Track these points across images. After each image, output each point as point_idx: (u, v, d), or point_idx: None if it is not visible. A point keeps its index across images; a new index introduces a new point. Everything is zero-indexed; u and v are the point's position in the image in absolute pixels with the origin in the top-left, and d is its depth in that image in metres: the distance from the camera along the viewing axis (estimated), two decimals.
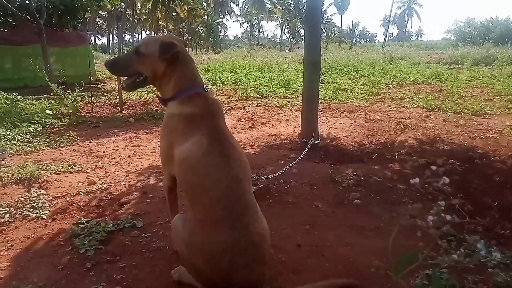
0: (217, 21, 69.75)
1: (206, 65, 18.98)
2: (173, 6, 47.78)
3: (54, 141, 5.62)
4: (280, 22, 79.11)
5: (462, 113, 7.14)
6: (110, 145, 5.51)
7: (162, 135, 2.14)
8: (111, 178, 4.00)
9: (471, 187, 3.52)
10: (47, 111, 7.22)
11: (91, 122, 7.26)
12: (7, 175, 3.93)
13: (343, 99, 9.41)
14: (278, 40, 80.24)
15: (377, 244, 2.53)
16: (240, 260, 1.78)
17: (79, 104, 8.54)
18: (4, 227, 2.85)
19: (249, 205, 1.89)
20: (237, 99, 10.00)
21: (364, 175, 3.70)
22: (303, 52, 5.09)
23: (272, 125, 6.90)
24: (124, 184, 3.77)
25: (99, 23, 69.00)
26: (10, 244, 2.61)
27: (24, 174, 3.89)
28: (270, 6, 72.72)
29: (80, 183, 3.84)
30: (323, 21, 72.72)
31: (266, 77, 13.27)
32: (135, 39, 60.48)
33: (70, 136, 5.89)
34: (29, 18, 12.00)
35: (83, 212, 3.14)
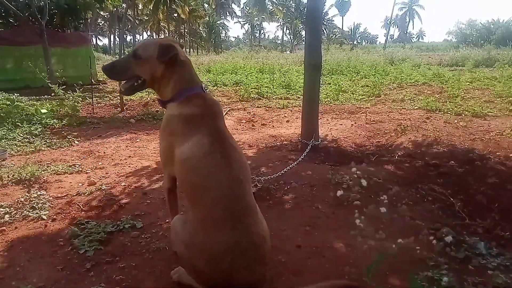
0: (218, 22, 69.89)
1: (207, 66, 19.02)
2: (174, 7, 47.85)
3: (54, 141, 5.63)
4: (281, 23, 79.18)
5: (463, 115, 7.13)
6: (111, 146, 5.51)
7: (162, 136, 2.14)
8: (111, 178, 4.00)
9: (471, 189, 3.51)
10: (42, 110, 7.22)
11: (92, 123, 7.27)
12: (8, 176, 3.93)
13: (344, 101, 9.41)
14: (279, 41, 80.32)
15: (377, 245, 2.52)
16: (241, 261, 1.78)
17: (80, 104, 8.56)
18: (4, 227, 2.85)
19: (250, 206, 1.89)
20: (238, 100, 10.01)
21: (364, 177, 3.69)
22: (304, 54, 5.09)
23: (273, 126, 6.90)
24: (124, 185, 3.77)
25: (100, 24, 69.11)
26: (10, 245, 2.61)
27: (25, 175, 3.89)
28: (271, 7, 72.79)
29: (80, 184, 3.84)
30: (324, 23, 72.77)
31: (267, 78, 13.27)
32: (136, 40, 60.61)
33: (71, 136, 5.89)
34: (30, 18, 12.02)
35: (83, 212, 3.14)
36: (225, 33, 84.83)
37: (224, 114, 2.19)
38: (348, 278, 2.16)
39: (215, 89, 11.88)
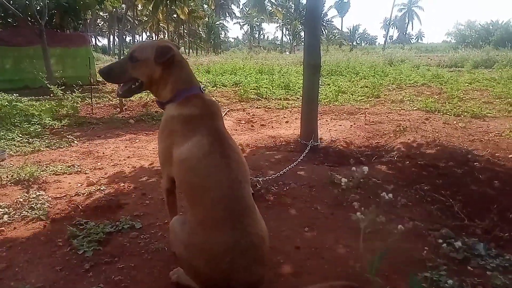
0: (217, 22, 69.90)
1: (206, 67, 19.02)
2: (174, 8, 47.83)
3: (53, 142, 5.63)
4: (281, 24, 79.20)
5: (462, 116, 7.14)
6: (110, 146, 5.51)
7: (160, 137, 2.14)
8: (110, 179, 3.99)
9: (470, 190, 3.51)
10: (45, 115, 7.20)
11: (91, 123, 7.27)
12: (7, 176, 3.93)
13: (343, 101, 9.42)
14: (278, 42, 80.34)
15: (376, 246, 2.52)
16: (240, 261, 1.78)
17: (79, 105, 8.55)
18: (3, 228, 2.84)
19: (248, 207, 1.89)
20: (237, 100, 10.01)
21: (363, 177, 3.69)
22: (303, 54, 5.10)
23: (272, 127, 6.90)
24: (123, 185, 3.77)
25: (99, 24, 69.10)
26: (8, 245, 2.60)
27: (24, 175, 3.89)
28: (270, 8, 72.83)
29: (79, 184, 3.83)
30: (324, 24, 72.87)
31: (266, 79, 13.28)
32: (136, 40, 60.59)
33: (70, 137, 5.89)
34: (29, 19, 12.01)
35: (82, 213, 3.13)
36: (225, 34, 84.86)
37: (223, 114, 2.20)
38: (347, 279, 2.16)
39: (214, 90, 11.88)
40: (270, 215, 2.98)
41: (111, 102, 9.93)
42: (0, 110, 7.07)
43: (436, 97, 9.59)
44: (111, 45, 68.88)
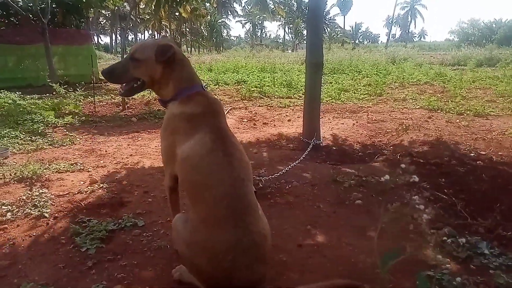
0: (219, 21, 69.77)
1: (208, 65, 19.01)
2: (176, 6, 47.75)
3: (56, 140, 5.63)
4: (283, 23, 79.08)
5: (465, 114, 7.12)
6: (112, 144, 5.52)
7: (163, 135, 2.14)
8: (113, 177, 4.00)
9: (473, 189, 3.51)
10: (49, 113, 7.20)
11: (94, 122, 7.28)
12: (10, 174, 3.94)
13: (346, 100, 9.40)
14: (280, 41, 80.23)
15: (378, 245, 2.52)
16: (242, 260, 1.78)
17: (81, 103, 8.57)
18: (6, 225, 2.85)
19: (251, 205, 1.89)
20: (240, 99, 10.01)
21: (365, 176, 3.69)
22: (306, 53, 5.09)
23: (274, 125, 6.90)
24: (126, 183, 3.78)
25: (102, 22, 69.12)
26: (11, 242, 2.61)
27: (26, 173, 3.90)
28: (273, 6, 72.69)
29: (82, 182, 3.84)
30: (326, 22, 72.66)
31: (268, 77, 13.26)
32: (138, 38, 60.58)
33: (73, 135, 5.90)
34: (31, 17, 12.01)
35: (84, 210, 3.14)
36: (227, 32, 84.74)
37: (225, 113, 2.20)
38: (349, 277, 2.16)
39: (216, 88, 11.87)
40: (272, 213, 2.98)
41: (113, 100, 9.94)
42: (3, 108, 7.09)
43: (439, 95, 9.56)
44: (113, 43, 68.93)
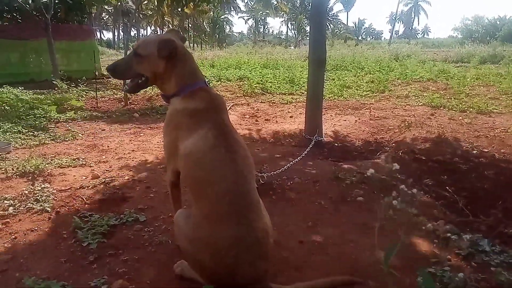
0: (222, 17, 69.62)
1: (211, 61, 18.99)
2: (179, 6, 47.65)
3: (58, 135, 5.65)
4: (286, 19, 78.82)
5: (468, 112, 7.10)
6: (115, 140, 5.52)
7: (165, 131, 2.14)
8: (115, 172, 4.01)
9: (475, 186, 3.50)
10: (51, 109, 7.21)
11: (96, 117, 7.28)
12: (12, 168, 3.95)
13: (348, 96, 9.38)
14: (283, 37, 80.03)
15: (380, 241, 2.52)
16: (245, 256, 1.78)
17: (83, 98, 8.57)
18: (8, 220, 2.86)
19: (253, 202, 1.89)
20: (242, 95, 10.00)
21: (367, 173, 3.69)
22: (308, 49, 5.07)
23: (276, 121, 6.89)
24: (128, 179, 3.78)
25: (104, 18, 69.03)
26: (13, 237, 2.63)
27: (29, 168, 3.91)
28: (276, 2, 72.45)
29: (84, 177, 3.85)
30: (329, 18, 72.38)
31: (271, 74, 13.24)
32: (141, 34, 60.50)
33: (75, 130, 5.91)
34: (35, 13, 12.01)
35: (86, 205, 3.15)
36: (229, 28, 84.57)
37: (227, 109, 2.19)
38: (350, 274, 2.16)
39: (219, 84, 11.86)
40: (274, 210, 2.97)
41: (115, 96, 9.95)
42: (5, 103, 7.10)
43: (442, 92, 9.53)
44: (115, 39, 68.90)
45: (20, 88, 8.00)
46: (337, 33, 68.45)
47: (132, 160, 4.49)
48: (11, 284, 2.11)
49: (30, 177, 3.76)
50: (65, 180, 3.75)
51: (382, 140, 5.33)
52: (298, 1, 74.06)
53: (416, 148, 4.68)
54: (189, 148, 1.93)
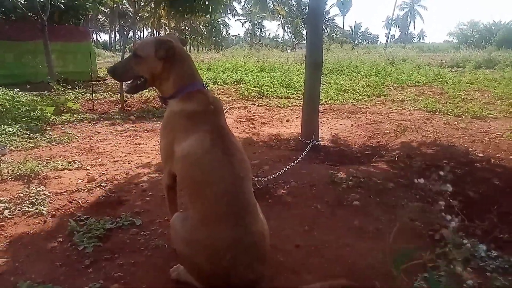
0: (219, 20, 69.66)
1: (207, 64, 18.98)
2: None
3: (54, 137, 5.62)
4: (282, 22, 79.01)
5: (463, 116, 7.14)
6: (111, 143, 5.51)
7: (163, 132, 2.14)
8: (111, 175, 4.00)
9: (470, 191, 3.51)
10: (48, 109, 7.17)
11: (92, 119, 7.26)
12: (7, 171, 3.93)
13: (344, 100, 9.42)
14: (280, 40, 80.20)
15: (376, 245, 2.53)
16: (242, 259, 1.78)
17: (80, 101, 8.54)
18: (3, 223, 2.85)
19: (250, 204, 1.90)
20: (238, 98, 10.00)
21: (363, 177, 3.70)
22: (305, 53, 5.09)
23: (273, 125, 6.90)
24: (124, 182, 3.77)
25: (101, 20, 68.89)
26: (9, 240, 2.61)
27: (24, 170, 3.89)
28: (272, 6, 72.62)
29: (80, 180, 3.84)
30: (326, 22, 72.64)
31: (267, 77, 13.26)
32: (137, 36, 60.41)
33: (71, 133, 5.89)
34: (31, 14, 11.95)
35: (82, 209, 3.14)
36: (226, 31, 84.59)
37: (224, 112, 2.20)
38: (347, 278, 2.16)
39: (215, 87, 11.86)
40: (271, 213, 2.97)
41: (112, 98, 9.92)
42: (1, 105, 7.07)
43: (437, 97, 9.58)
44: (112, 41, 68.77)
45: (15, 89, 7.96)
46: (334, 37, 68.66)
47: (128, 163, 4.48)
48: None
49: (25, 180, 3.75)
50: (61, 183, 3.73)
51: (378, 144, 5.35)
52: (295, 5, 74.25)
53: (411, 152, 4.70)
54: (186, 150, 1.93)
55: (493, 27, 49.24)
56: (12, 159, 4.43)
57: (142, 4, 11.51)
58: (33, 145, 5.20)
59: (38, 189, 3.46)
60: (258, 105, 9.01)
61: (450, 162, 4.19)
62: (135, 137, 5.93)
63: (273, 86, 11.48)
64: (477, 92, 10.41)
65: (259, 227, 1.88)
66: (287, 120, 7.20)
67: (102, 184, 3.66)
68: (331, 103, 9.12)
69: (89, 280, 2.15)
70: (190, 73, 2.12)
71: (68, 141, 5.52)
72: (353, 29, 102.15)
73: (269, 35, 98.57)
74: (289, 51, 49.40)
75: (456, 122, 6.60)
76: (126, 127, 6.72)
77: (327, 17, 76.56)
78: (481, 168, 4.10)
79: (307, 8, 5.63)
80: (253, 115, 7.76)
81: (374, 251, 2.43)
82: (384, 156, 4.65)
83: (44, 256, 2.41)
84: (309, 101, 4.98)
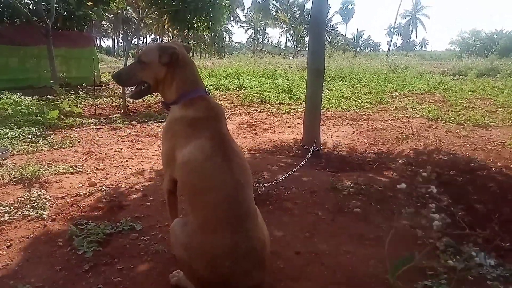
0: (222, 27, 69.97)
1: (210, 70, 19.05)
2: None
3: (56, 141, 5.64)
4: (285, 29, 79.37)
5: (465, 124, 7.14)
6: (112, 147, 5.52)
7: (164, 138, 2.15)
8: (112, 180, 4.00)
9: (471, 199, 3.50)
10: (51, 114, 7.20)
11: (94, 124, 7.28)
12: (9, 175, 3.94)
13: (346, 107, 9.43)
14: (282, 47, 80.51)
15: (376, 253, 2.51)
16: (241, 265, 1.78)
17: (82, 105, 8.57)
18: (4, 226, 2.85)
19: (250, 211, 1.90)
20: (240, 104, 10.03)
21: (365, 184, 3.69)
22: (307, 59, 5.11)
23: (274, 131, 6.91)
24: (125, 187, 3.77)
25: (105, 25, 69.33)
26: (8, 244, 2.61)
27: (25, 174, 3.90)
28: (275, 13, 72.95)
29: (80, 185, 3.84)
30: (328, 29, 72.93)
31: (269, 84, 13.29)
32: (140, 42, 60.73)
33: (72, 137, 5.91)
34: (35, 19, 12.03)
35: (82, 213, 3.14)
36: (229, 38, 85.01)
37: (226, 118, 2.21)
38: (347, 285, 2.15)
39: (217, 93, 11.90)
40: (271, 219, 2.97)
41: (114, 103, 9.96)
42: (4, 109, 7.10)
43: (439, 105, 9.59)
44: (115, 47, 69.13)
45: (18, 93, 7.99)
46: (336, 44, 68.87)
47: (130, 168, 4.48)
48: None
49: (26, 184, 3.75)
50: (62, 187, 3.73)
51: (379, 152, 5.35)
52: (298, 12, 74.65)
53: (413, 160, 4.69)
54: (186, 156, 1.93)
55: (495, 36, 49.37)
56: (13, 163, 4.44)
57: (146, 11, 11.56)
58: (35, 149, 5.22)
59: (39, 193, 3.47)
60: (259, 111, 9.02)
61: (451, 170, 4.19)
62: (136, 142, 5.94)
63: (275, 92, 11.51)
64: (479, 100, 10.42)
65: (259, 234, 1.88)
66: (289, 127, 7.21)
67: (103, 189, 3.66)
68: (332, 110, 9.13)
69: (89, 285, 2.15)
70: (193, 79, 2.12)
71: (70, 145, 5.54)
72: (355, 36, 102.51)
73: (271, 42, 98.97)
74: (291, 58, 49.58)
75: (458, 130, 6.60)
76: (128, 132, 6.73)
77: (329, 24, 76.92)
78: (483, 176, 4.09)
79: (309, 15, 5.66)
80: (255, 121, 7.77)
81: (374, 259, 2.42)
82: (385, 164, 4.64)
83: (44, 260, 2.41)
84: (311, 108, 4.99)
